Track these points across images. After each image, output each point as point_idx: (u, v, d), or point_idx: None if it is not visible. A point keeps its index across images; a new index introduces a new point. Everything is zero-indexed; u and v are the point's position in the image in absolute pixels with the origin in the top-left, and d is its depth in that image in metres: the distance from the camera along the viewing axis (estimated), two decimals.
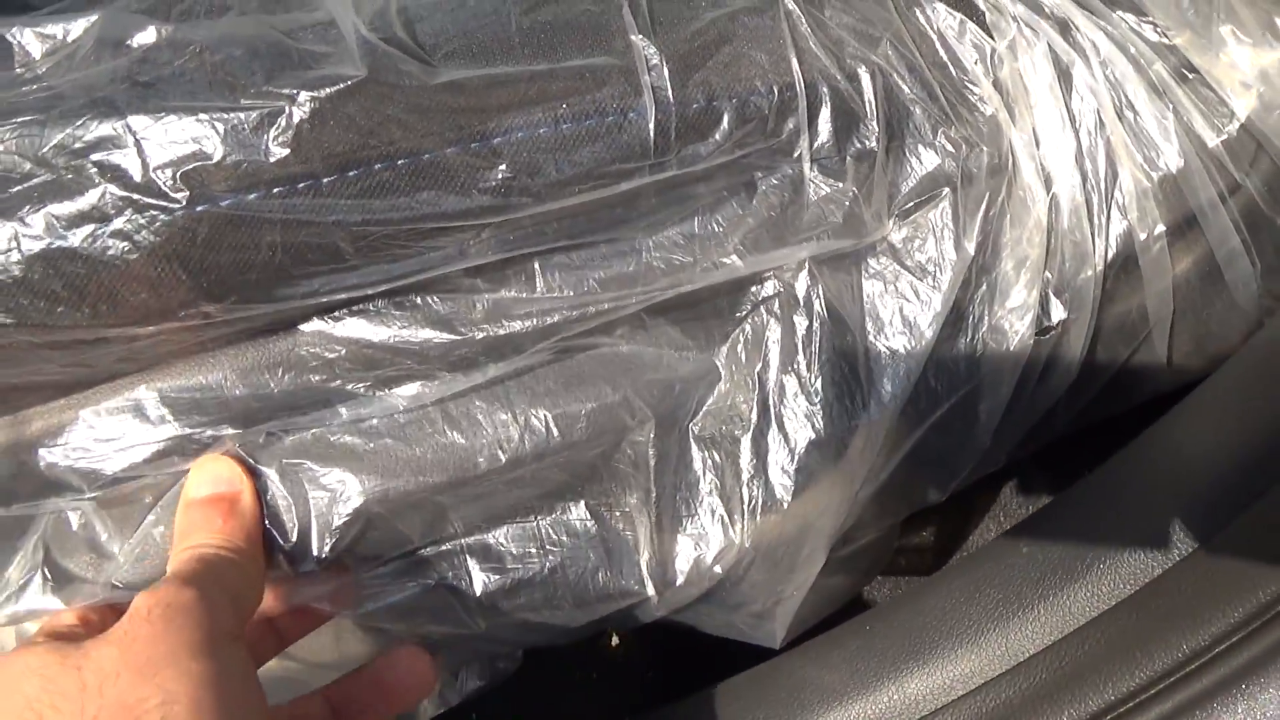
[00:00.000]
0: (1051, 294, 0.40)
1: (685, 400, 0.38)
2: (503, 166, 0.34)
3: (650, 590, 0.38)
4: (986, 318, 0.40)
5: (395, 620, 0.38)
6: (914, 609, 0.40)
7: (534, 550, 0.38)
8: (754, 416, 0.38)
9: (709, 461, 0.38)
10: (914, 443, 0.40)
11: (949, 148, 0.38)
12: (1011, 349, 0.39)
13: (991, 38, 0.40)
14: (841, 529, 0.40)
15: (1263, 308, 0.44)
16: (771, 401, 0.38)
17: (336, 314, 0.37)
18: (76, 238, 0.33)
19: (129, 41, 0.35)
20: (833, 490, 0.38)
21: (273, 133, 0.33)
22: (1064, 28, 0.41)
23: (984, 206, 0.39)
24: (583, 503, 0.38)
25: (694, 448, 0.38)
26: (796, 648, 0.42)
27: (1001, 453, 0.43)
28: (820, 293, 0.38)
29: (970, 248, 0.39)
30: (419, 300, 0.37)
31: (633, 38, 0.36)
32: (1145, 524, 0.39)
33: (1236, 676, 0.36)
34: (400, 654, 0.38)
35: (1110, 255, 0.41)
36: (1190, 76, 0.42)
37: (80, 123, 0.34)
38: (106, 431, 0.36)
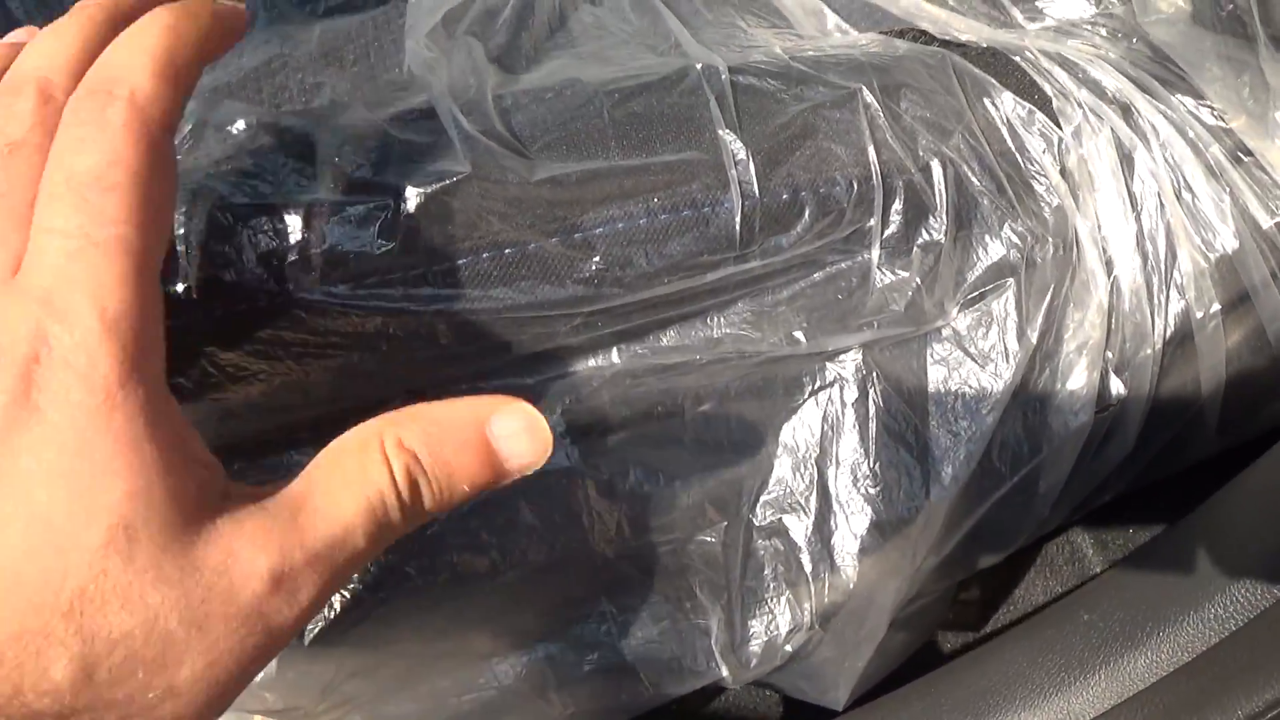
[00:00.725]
0: (1112, 373, 0.42)
1: (747, 492, 0.39)
2: (596, 258, 0.36)
3: (725, 672, 0.40)
4: (1050, 398, 0.41)
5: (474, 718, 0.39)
6: (978, 672, 0.42)
7: (608, 642, 0.39)
8: (814, 503, 0.39)
9: (773, 549, 0.40)
10: (976, 519, 0.41)
11: (1014, 239, 0.40)
12: (1073, 428, 0.41)
13: (1058, 125, 0.41)
14: (903, 602, 0.41)
15: None
16: (832, 488, 0.39)
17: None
18: (175, 322, 0.34)
19: (230, 127, 0.36)
20: (895, 569, 0.40)
21: (379, 226, 0.34)
22: (1126, 112, 0.42)
23: (1048, 295, 0.40)
24: (654, 595, 0.39)
25: (757, 538, 0.40)
26: (861, 708, 0.43)
27: (1056, 519, 0.45)
28: (878, 379, 0.39)
29: (1033, 336, 0.40)
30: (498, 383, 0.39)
31: (720, 132, 0.37)
32: (1202, 594, 0.40)
33: None
34: None
35: (1169, 333, 0.42)
36: (1245, 159, 0.43)
37: (183, 210, 0.34)
38: None
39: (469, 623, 0.40)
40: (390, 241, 0.34)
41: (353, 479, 0.27)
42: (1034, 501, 0.43)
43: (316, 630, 0.38)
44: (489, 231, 0.35)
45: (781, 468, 0.40)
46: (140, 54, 0.26)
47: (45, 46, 0.27)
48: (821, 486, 0.40)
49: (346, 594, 0.38)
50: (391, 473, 0.27)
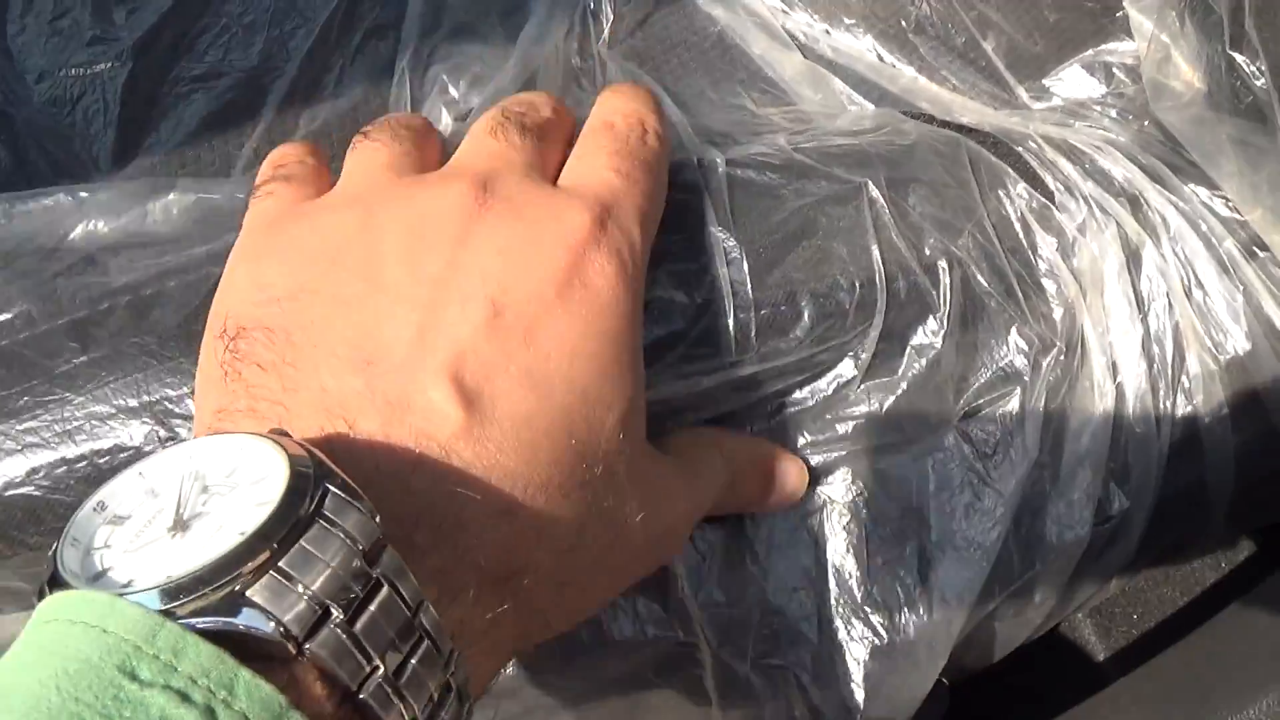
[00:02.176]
0: (1114, 484, 0.39)
1: (739, 623, 0.37)
2: None
3: None
4: (1048, 510, 0.39)
5: None
6: None
7: None
8: (814, 632, 0.37)
9: (770, 679, 0.37)
10: (970, 630, 0.39)
11: (1022, 344, 0.37)
12: (1069, 541, 0.39)
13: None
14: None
15: None
16: (832, 614, 0.37)
17: None
18: None
19: None
20: (899, 691, 0.38)
21: None
22: (1134, 204, 0.40)
23: (1051, 402, 0.38)
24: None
25: (753, 670, 0.37)
26: None
27: (1051, 623, 0.43)
28: (873, 497, 0.37)
29: (1036, 446, 0.37)
30: None
31: (711, 229, 0.35)
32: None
33: None
34: None
35: (1174, 440, 0.40)
36: (1261, 254, 0.41)
37: None
38: None
39: None
40: None
41: (708, 468, 0.33)
42: (1027, 612, 0.41)
43: None
44: None
45: (777, 596, 0.38)
46: (643, 103, 0.35)
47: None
48: (821, 614, 0.37)
49: None
50: (724, 470, 0.34)
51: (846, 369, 0.37)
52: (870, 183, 0.36)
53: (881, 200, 0.36)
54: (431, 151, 0.34)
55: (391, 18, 0.47)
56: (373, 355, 0.26)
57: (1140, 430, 0.39)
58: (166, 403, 0.35)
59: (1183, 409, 0.40)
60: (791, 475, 0.36)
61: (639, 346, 0.30)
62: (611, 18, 0.44)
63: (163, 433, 0.35)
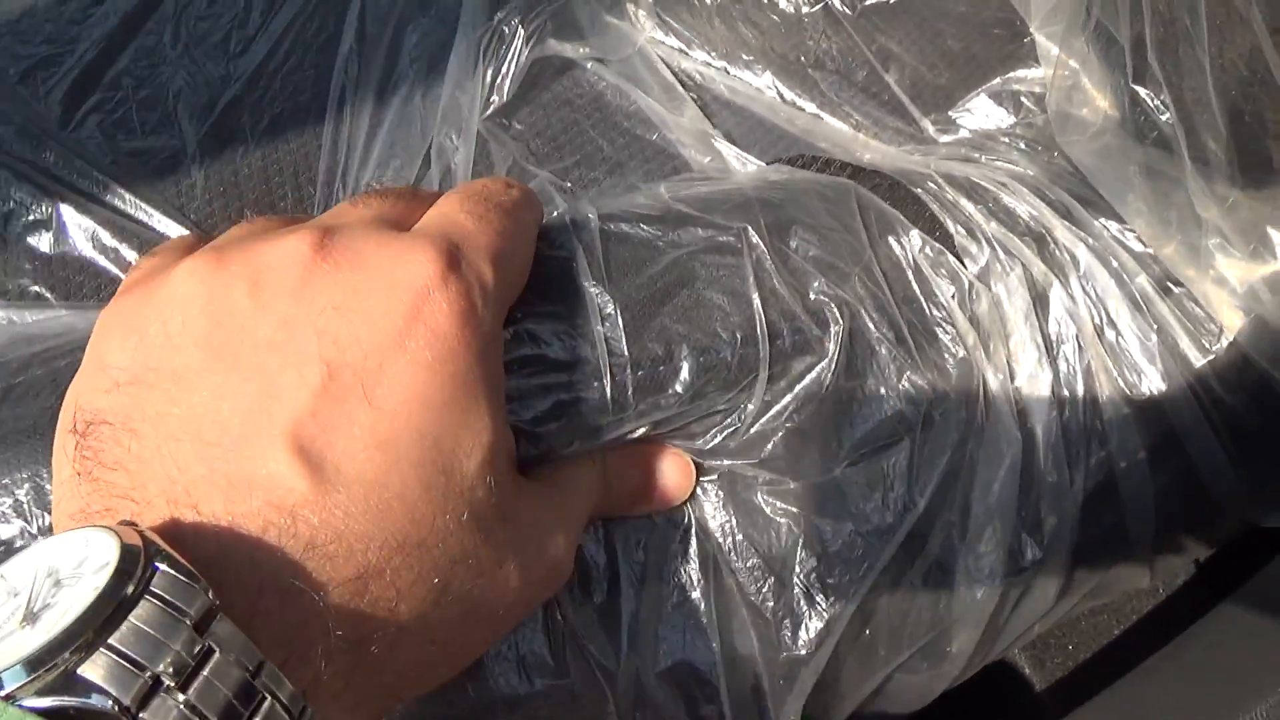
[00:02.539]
0: (1025, 534, 0.38)
1: (626, 667, 0.36)
2: None
3: None
4: (956, 563, 0.37)
5: None
6: None
7: None
8: (711, 677, 0.36)
9: (676, 691, 0.36)
10: (878, 683, 0.38)
11: (912, 392, 0.36)
12: (981, 595, 0.37)
13: (964, 266, 0.37)
14: None
15: (1249, 516, 0.42)
16: (717, 656, 0.36)
17: None
18: None
19: None
20: None
21: None
22: (1041, 242, 0.39)
23: (947, 455, 0.36)
24: None
25: (660, 690, 0.36)
26: None
27: (971, 670, 0.42)
28: (743, 540, 0.36)
29: (923, 500, 0.36)
30: None
31: (585, 285, 0.34)
32: None
33: None
34: None
35: (1089, 486, 0.38)
36: (1175, 290, 0.39)
37: None
38: None
39: None
40: None
41: (581, 483, 0.33)
42: (944, 664, 0.40)
43: None
44: None
45: (671, 641, 0.37)
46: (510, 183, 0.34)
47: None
48: (721, 647, 0.36)
49: None
50: (598, 480, 0.34)
51: (730, 422, 0.35)
52: (750, 228, 0.35)
53: (762, 246, 0.35)
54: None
55: (306, 100, 0.45)
56: (214, 436, 0.26)
57: (1053, 479, 0.38)
58: (39, 480, 0.34)
59: (1097, 454, 0.39)
60: (673, 469, 0.36)
61: (497, 386, 0.29)
62: (503, 91, 0.42)
63: (46, 519, 0.35)
